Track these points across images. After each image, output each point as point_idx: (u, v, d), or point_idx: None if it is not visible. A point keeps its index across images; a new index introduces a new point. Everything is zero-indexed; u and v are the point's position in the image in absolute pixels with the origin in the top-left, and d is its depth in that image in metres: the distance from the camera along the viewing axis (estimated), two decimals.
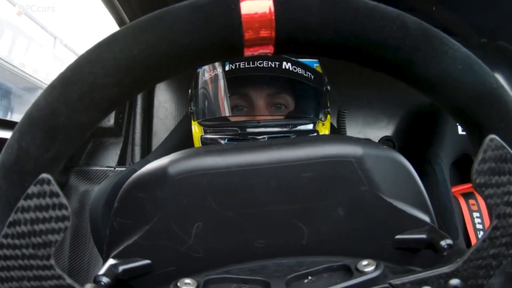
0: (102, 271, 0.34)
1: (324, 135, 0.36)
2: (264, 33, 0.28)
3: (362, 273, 0.30)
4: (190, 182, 0.36)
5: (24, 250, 0.25)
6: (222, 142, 0.78)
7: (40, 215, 0.24)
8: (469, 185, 1.09)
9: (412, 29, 0.28)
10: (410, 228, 0.37)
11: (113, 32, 0.28)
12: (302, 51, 0.30)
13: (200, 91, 0.85)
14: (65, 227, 0.25)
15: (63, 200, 0.24)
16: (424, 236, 0.36)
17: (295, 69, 0.81)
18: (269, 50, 0.30)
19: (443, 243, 0.34)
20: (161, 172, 0.36)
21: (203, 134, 0.81)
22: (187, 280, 0.31)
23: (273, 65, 0.80)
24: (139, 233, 0.36)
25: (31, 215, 0.24)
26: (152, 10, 0.28)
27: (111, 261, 0.36)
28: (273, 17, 0.27)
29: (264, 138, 0.76)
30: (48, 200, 0.24)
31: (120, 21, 1.20)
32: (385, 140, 1.26)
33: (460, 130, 1.08)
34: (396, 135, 1.29)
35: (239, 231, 0.36)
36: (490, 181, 0.26)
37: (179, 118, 1.32)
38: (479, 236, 0.99)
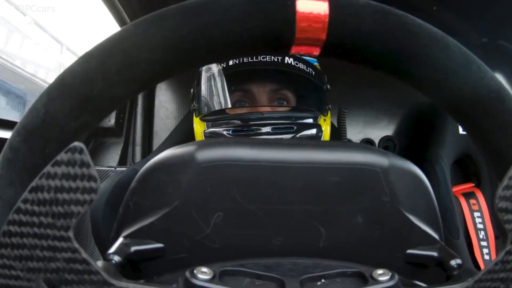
0: (113, 249, 0.33)
1: (352, 143, 0.36)
2: (315, 34, 0.28)
3: (377, 281, 0.30)
4: (217, 170, 0.35)
5: (42, 218, 0.24)
6: (226, 134, 0.77)
7: (66, 183, 0.23)
8: (470, 184, 1.09)
9: (453, 51, 0.29)
10: (422, 243, 0.38)
11: (162, 9, 0.28)
12: (346, 57, 0.30)
13: (203, 86, 0.85)
14: (90, 200, 0.23)
15: (93, 171, 0.23)
16: (435, 253, 0.37)
17: (297, 64, 0.82)
18: (315, 51, 0.30)
19: (453, 262, 0.34)
20: (189, 157, 0.36)
21: (206, 129, 0.81)
22: (204, 269, 0.30)
23: (275, 60, 0.80)
24: (156, 215, 0.36)
25: (57, 182, 0.23)
26: (153, 9, 0.28)
27: (122, 240, 0.35)
28: (327, 20, 0.27)
29: (267, 129, 0.76)
30: (78, 170, 0.23)
31: (121, 21, 1.20)
32: (385, 140, 1.26)
33: (461, 130, 1.08)
34: (396, 135, 1.29)
35: (259, 226, 0.36)
36: (511, 207, 0.26)
37: (180, 118, 1.32)
38: (480, 235, 0.99)
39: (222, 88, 0.83)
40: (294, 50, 0.29)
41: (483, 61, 0.30)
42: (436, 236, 0.38)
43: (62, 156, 0.23)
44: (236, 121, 0.78)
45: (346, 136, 0.88)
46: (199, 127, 0.83)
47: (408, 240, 0.38)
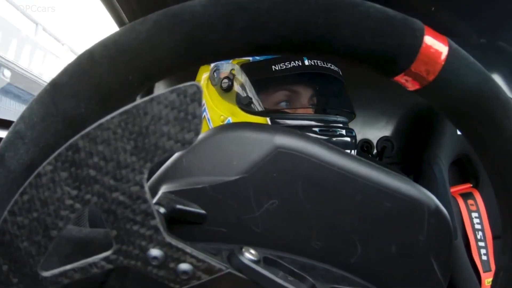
0: (157, 200, 0.32)
1: (407, 178, 0.37)
2: (426, 72, 0.28)
3: None
4: (290, 159, 0.35)
5: (121, 144, 0.21)
6: (314, 130, 0.79)
7: (165, 118, 0.21)
8: (468, 185, 1.09)
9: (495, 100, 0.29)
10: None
11: None
12: (438, 103, 0.31)
13: (261, 82, 0.84)
14: (188, 141, 0.21)
15: (201, 113, 0.21)
16: None
17: (338, 70, 0.86)
18: (415, 87, 0.30)
19: None
20: (267, 137, 0.35)
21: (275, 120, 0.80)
22: (252, 250, 0.29)
23: (332, 67, 0.84)
24: (212, 182, 0.35)
25: (156, 112, 0.21)
26: (151, 10, 0.28)
27: (168, 195, 0.34)
28: (443, 63, 0.28)
29: (343, 131, 0.81)
30: (184, 108, 0.21)
31: (119, 22, 1.20)
32: (384, 140, 1.26)
33: (458, 131, 1.08)
34: (395, 136, 1.29)
35: (306, 225, 0.36)
36: None
37: None
38: (478, 236, 0.99)
39: (299, 86, 0.84)
40: (399, 77, 0.30)
41: (481, 62, 0.30)
42: (445, 284, 0.39)
43: (176, 90, 0.21)
44: (316, 122, 0.80)
45: None
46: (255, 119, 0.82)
47: (422, 281, 0.38)
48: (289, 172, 0.35)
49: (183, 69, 0.27)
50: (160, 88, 1.36)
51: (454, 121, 0.32)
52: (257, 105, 0.82)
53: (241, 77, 0.84)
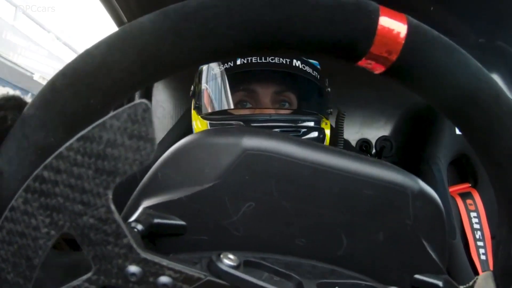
0: (135, 217, 0.33)
1: (388, 163, 0.36)
2: (388, 53, 0.28)
3: None
4: (260, 160, 0.35)
5: (83, 170, 0.22)
6: None
7: (120, 139, 0.22)
8: (467, 185, 1.09)
9: (450, 52, 0.29)
10: (429, 271, 0.38)
11: None
12: (403, 81, 0.31)
13: (207, 84, 0.84)
14: (141, 162, 0.22)
15: (153, 133, 0.22)
16: (440, 283, 0.37)
17: (304, 67, 0.82)
18: (379, 69, 0.30)
19: None
20: (234, 141, 0.35)
21: (208, 128, 0.81)
22: (230, 255, 0.29)
23: (284, 62, 0.80)
24: (187, 193, 0.35)
25: (111, 136, 0.22)
26: (150, 10, 0.28)
27: (144, 210, 0.34)
28: (403, 42, 0.28)
29: (276, 131, 0.75)
30: (137, 127, 0.22)
31: (118, 21, 1.20)
32: (382, 140, 1.26)
33: (457, 130, 1.08)
34: (393, 135, 1.29)
35: (286, 223, 0.36)
36: None
37: (176, 118, 1.31)
38: (477, 236, 0.99)
39: (227, 87, 0.82)
40: (362, 62, 0.30)
41: (480, 61, 0.30)
42: (442, 265, 0.39)
43: (125, 110, 0.22)
44: (241, 122, 0.78)
45: (343, 137, 0.89)
46: (199, 126, 0.83)
47: (418, 265, 0.38)
48: (261, 173, 0.35)
49: (144, 85, 0.28)
50: (159, 88, 1.36)
51: (427, 98, 0.31)
52: (203, 109, 0.84)
53: (198, 84, 0.87)
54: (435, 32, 0.29)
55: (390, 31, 0.28)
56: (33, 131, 0.25)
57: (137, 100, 0.21)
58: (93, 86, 0.26)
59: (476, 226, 1.01)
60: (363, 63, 0.30)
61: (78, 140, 0.22)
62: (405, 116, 1.29)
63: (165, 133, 1.18)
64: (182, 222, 0.35)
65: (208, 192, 0.35)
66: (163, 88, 1.36)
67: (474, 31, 1.17)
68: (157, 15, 0.26)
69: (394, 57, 0.28)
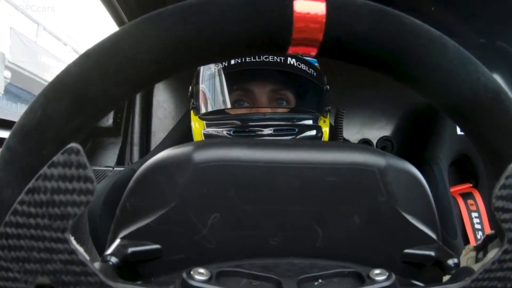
0: (111, 250, 0.33)
1: (349, 143, 0.35)
2: (312, 34, 0.28)
3: (374, 281, 0.30)
4: (214, 171, 0.35)
5: (39, 220, 0.24)
6: (227, 134, 0.77)
7: (63, 185, 0.23)
8: (468, 185, 1.09)
9: (451, 51, 0.29)
10: (419, 243, 0.38)
11: (159, 10, 0.28)
12: (344, 58, 0.30)
13: (203, 85, 0.84)
14: (87, 201, 0.23)
15: (90, 172, 0.23)
16: (432, 253, 0.37)
17: (299, 65, 0.82)
18: (312, 52, 0.29)
19: (450, 262, 0.34)
20: (186, 158, 0.35)
21: (205, 128, 0.81)
22: (201, 270, 0.30)
23: (278, 60, 0.80)
24: (153, 216, 0.36)
25: (53, 184, 0.23)
26: (151, 9, 0.28)
27: (120, 241, 0.35)
28: (324, 20, 0.27)
29: (269, 130, 0.75)
30: (74, 171, 0.23)
31: (119, 21, 1.20)
32: (383, 140, 1.26)
33: (459, 131, 1.08)
34: (394, 135, 1.29)
35: (256, 226, 0.36)
36: (507, 206, 0.27)
37: (178, 118, 1.32)
38: (478, 236, 0.99)
39: (224, 87, 0.82)
40: (291, 50, 0.29)
41: (481, 62, 0.30)
42: (433, 235, 0.39)
43: (59, 157, 0.23)
44: (237, 122, 0.78)
45: (342, 136, 0.88)
46: (197, 126, 0.83)
47: (405, 240, 0.38)
48: (217, 183, 0.35)
49: (85, 128, 0.29)
50: (160, 88, 1.36)
51: (366, 66, 0.31)
52: (199, 109, 0.84)
53: (195, 84, 0.87)
54: (359, 1, 0.28)
55: (307, 13, 0.27)
56: (0, 192, 0.27)
57: (68, 146, 0.23)
58: (41, 138, 0.27)
59: (477, 226, 1.01)
60: (293, 50, 0.29)
61: (27, 193, 0.23)
62: (406, 116, 1.29)
63: (166, 133, 1.18)
64: (157, 246, 0.36)
65: (172, 212, 0.35)
66: (164, 88, 1.36)
67: (474, 32, 1.17)
68: (81, 57, 0.27)
69: (320, 37, 0.28)
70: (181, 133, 1.11)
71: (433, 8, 1.06)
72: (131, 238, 0.36)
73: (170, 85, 1.36)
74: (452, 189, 1.06)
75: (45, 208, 0.23)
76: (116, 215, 0.38)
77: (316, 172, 0.36)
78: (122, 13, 1.17)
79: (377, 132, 1.29)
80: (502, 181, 0.26)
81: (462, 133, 1.07)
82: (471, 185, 1.09)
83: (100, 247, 0.77)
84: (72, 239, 0.25)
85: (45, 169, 0.23)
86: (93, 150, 1.28)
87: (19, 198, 0.23)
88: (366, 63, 0.30)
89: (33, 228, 0.24)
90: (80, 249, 0.26)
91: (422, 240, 0.38)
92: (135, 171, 0.38)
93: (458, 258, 0.35)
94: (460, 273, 0.30)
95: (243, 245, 0.36)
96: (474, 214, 1.02)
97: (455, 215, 1.00)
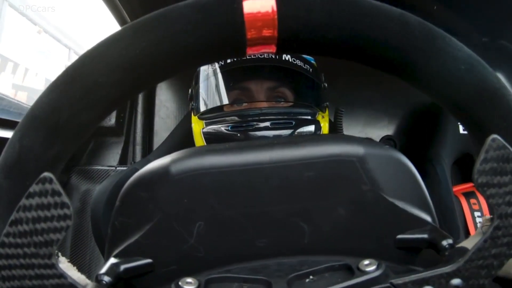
0: (104, 270, 0.34)
1: (325, 135, 0.35)
2: (266, 32, 0.28)
3: (364, 272, 0.30)
4: (191, 181, 0.35)
5: (26, 249, 0.25)
6: (225, 130, 0.77)
7: (41, 213, 0.24)
8: (470, 184, 1.09)
9: (415, 29, 0.28)
10: (412, 227, 0.37)
11: (115, 31, 0.28)
12: (305, 51, 0.30)
13: (201, 85, 0.85)
14: (66, 226, 0.25)
15: (65, 198, 0.24)
16: (425, 236, 0.36)
17: (294, 61, 0.82)
18: (271, 49, 0.29)
19: (444, 242, 0.33)
20: (163, 171, 0.36)
21: (204, 127, 0.81)
22: (189, 279, 0.31)
23: (274, 57, 0.80)
24: (141, 232, 0.36)
25: (33, 213, 0.24)
26: (153, 9, 0.28)
27: (112, 260, 0.36)
28: (276, 16, 0.27)
29: (266, 123, 0.75)
30: (50, 199, 0.24)
31: (121, 21, 1.20)
32: (386, 140, 1.26)
33: (461, 130, 1.08)
34: (397, 135, 1.29)
35: (241, 230, 0.36)
36: (492, 181, 0.26)
37: (180, 117, 1.32)
38: None
39: (220, 85, 0.83)
40: (250, 51, 0.29)
41: (484, 60, 0.29)
42: (427, 217, 0.38)
43: (34, 187, 0.24)
44: (234, 118, 0.78)
45: (342, 133, 0.88)
46: (197, 126, 0.83)
47: (396, 225, 0.37)
48: (196, 192, 0.35)
49: (65, 158, 0.30)
50: (162, 88, 1.37)
51: (334, 56, 0.31)
52: (199, 109, 0.84)
53: (194, 86, 0.88)
54: None
55: (258, 11, 0.27)
56: None
57: (40, 175, 0.24)
58: (22, 170, 0.28)
59: (480, 225, 1.00)
60: (251, 51, 0.29)
61: (10, 225, 0.25)
62: (409, 115, 1.29)
63: (168, 132, 1.18)
64: (148, 260, 0.36)
65: (157, 226, 0.36)
66: (166, 88, 1.36)
67: (477, 30, 1.16)
68: (49, 87, 0.28)
69: (275, 33, 0.28)
70: (183, 133, 1.11)
71: (435, 7, 1.05)
72: (123, 255, 0.36)
73: (172, 84, 1.36)
74: (454, 188, 1.06)
75: (30, 238, 0.25)
76: (108, 234, 0.39)
77: (293, 169, 0.36)
78: (124, 13, 1.17)
79: (379, 131, 1.29)
80: (482, 155, 0.26)
81: (464, 132, 1.07)
82: (474, 184, 1.08)
83: (103, 246, 0.77)
84: (62, 261, 0.27)
85: (23, 201, 0.24)
86: (95, 149, 1.28)
87: (5, 231, 0.25)
88: (328, 52, 0.30)
89: (21, 257, 0.25)
90: (70, 271, 0.27)
91: (414, 223, 0.37)
92: (137, 170, 0.38)
93: (453, 239, 0.34)
94: (455, 254, 0.30)
95: (231, 250, 0.36)
96: (477, 214, 1.01)
97: (457, 215, 0.99)
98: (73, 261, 1.10)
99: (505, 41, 1.17)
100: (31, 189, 0.24)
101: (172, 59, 0.28)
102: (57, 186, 0.24)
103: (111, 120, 1.25)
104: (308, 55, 0.28)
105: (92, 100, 0.28)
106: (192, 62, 0.30)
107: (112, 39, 0.28)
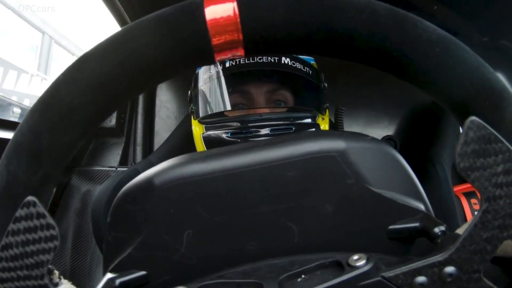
0: (100, 286, 0.34)
1: (306, 132, 0.34)
2: (231, 36, 0.28)
3: (353, 267, 0.30)
4: (176, 190, 0.36)
5: (18, 272, 0.26)
6: (225, 136, 0.77)
7: (29, 236, 0.25)
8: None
9: (382, 16, 0.28)
10: (403, 217, 0.36)
11: (85, 52, 0.29)
12: (273, 50, 0.30)
13: (200, 89, 0.85)
14: (54, 247, 0.25)
15: (50, 220, 0.25)
16: (417, 224, 0.35)
17: (293, 64, 0.82)
18: (239, 52, 0.30)
19: (436, 230, 0.33)
20: (147, 184, 0.36)
21: (204, 132, 0.81)
22: None
23: (272, 60, 0.80)
24: (133, 245, 0.36)
25: (21, 237, 0.25)
26: (153, 9, 0.28)
27: (108, 275, 0.36)
28: (238, 20, 0.27)
29: (266, 130, 0.76)
30: (36, 222, 0.25)
31: (121, 21, 1.20)
32: (386, 140, 1.26)
33: (462, 130, 1.08)
34: (397, 135, 1.29)
35: (229, 235, 0.36)
36: (475, 164, 0.25)
37: (180, 118, 1.32)
38: None
39: (220, 90, 0.83)
40: (217, 57, 0.29)
41: (484, 60, 0.29)
42: (419, 205, 0.37)
43: (20, 212, 0.25)
44: (234, 123, 0.78)
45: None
46: (197, 130, 0.83)
47: (387, 217, 0.36)
48: (182, 201, 0.36)
49: (54, 180, 0.31)
50: (163, 88, 1.37)
51: (304, 52, 0.31)
52: (198, 113, 0.84)
53: (193, 89, 0.88)
54: None
55: (220, 17, 0.27)
56: None
57: (26, 199, 0.25)
58: (12, 196, 0.28)
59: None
60: (219, 57, 0.29)
61: (2, 250, 0.26)
62: (409, 115, 1.29)
63: (169, 133, 1.18)
64: (142, 272, 0.36)
65: (147, 237, 0.36)
66: (167, 88, 1.36)
67: (477, 30, 1.16)
68: (28, 113, 0.29)
69: (240, 37, 0.28)
70: (183, 134, 1.11)
71: (435, 7, 1.05)
72: (118, 269, 0.37)
73: (173, 85, 1.36)
74: (455, 188, 1.06)
75: (21, 261, 0.26)
76: (103, 250, 0.39)
77: (274, 170, 0.36)
78: (124, 13, 1.17)
79: (380, 131, 1.29)
80: (462, 138, 0.25)
81: None
82: None
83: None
84: (64, 283, 0.28)
85: (11, 225, 0.25)
86: (96, 150, 1.28)
87: None
88: (298, 49, 0.30)
89: (16, 280, 0.26)
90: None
91: (406, 212, 0.36)
92: (138, 171, 0.39)
93: (446, 226, 0.33)
94: (446, 241, 0.29)
95: (222, 256, 0.37)
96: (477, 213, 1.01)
97: (458, 214, 0.99)
98: (74, 262, 1.10)
99: (505, 41, 1.17)
100: (17, 214, 0.25)
101: (141, 74, 0.29)
102: (41, 209, 0.25)
103: (112, 121, 1.25)
104: (279, 53, 0.28)
105: (70, 121, 0.28)
106: (162, 75, 0.30)
107: (81, 60, 0.29)
